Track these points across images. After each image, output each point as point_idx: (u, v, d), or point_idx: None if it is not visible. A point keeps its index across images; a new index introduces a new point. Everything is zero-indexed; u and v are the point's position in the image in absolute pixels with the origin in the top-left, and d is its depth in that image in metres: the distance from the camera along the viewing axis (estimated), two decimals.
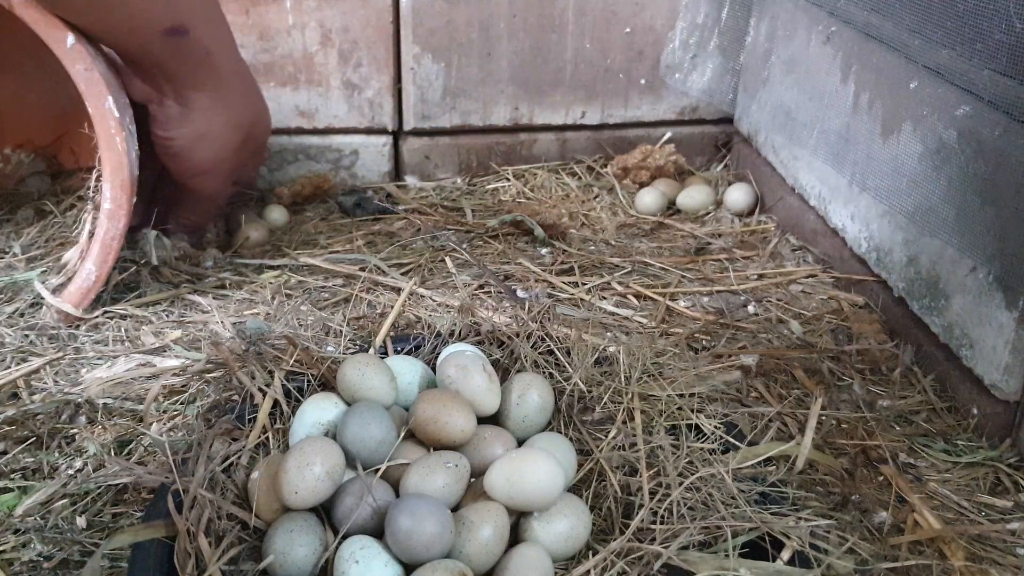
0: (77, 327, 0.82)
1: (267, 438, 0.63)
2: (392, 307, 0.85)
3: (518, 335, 0.72)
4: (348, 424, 0.59)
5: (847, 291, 0.94)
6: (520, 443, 0.63)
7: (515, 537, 0.57)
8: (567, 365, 0.69)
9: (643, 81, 1.19)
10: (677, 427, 0.64)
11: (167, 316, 0.85)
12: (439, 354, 0.70)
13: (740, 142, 1.20)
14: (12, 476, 0.65)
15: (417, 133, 1.16)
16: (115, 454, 0.68)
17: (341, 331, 0.81)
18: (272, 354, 0.70)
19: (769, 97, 1.10)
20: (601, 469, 0.61)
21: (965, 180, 0.75)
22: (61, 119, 1.05)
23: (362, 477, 0.57)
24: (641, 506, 0.57)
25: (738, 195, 1.12)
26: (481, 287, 0.93)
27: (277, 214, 1.04)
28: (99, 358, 0.78)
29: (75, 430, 0.70)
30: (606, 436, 0.63)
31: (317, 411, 0.63)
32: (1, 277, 0.87)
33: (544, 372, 0.69)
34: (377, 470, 0.58)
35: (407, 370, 0.67)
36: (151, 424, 0.71)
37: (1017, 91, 0.69)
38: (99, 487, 0.64)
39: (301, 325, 0.83)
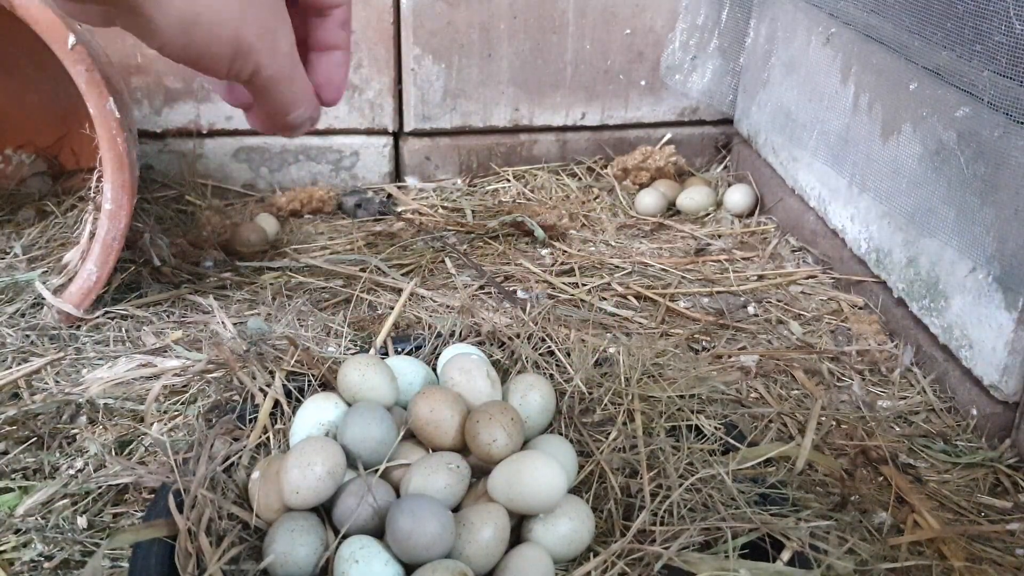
0: (78, 327, 0.82)
1: (268, 438, 0.63)
2: (393, 308, 0.85)
3: (519, 336, 0.72)
4: (349, 424, 0.59)
5: (847, 292, 0.94)
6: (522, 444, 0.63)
7: (518, 538, 0.57)
8: (568, 366, 0.69)
9: (643, 82, 1.19)
10: (677, 428, 0.64)
11: (168, 316, 0.85)
12: (440, 355, 0.70)
13: (740, 143, 1.20)
14: (13, 476, 0.65)
15: (417, 134, 1.16)
16: (116, 454, 0.68)
17: (342, 332, 0.81)
18: (273, 354, 0.70)
19: (769, 98, 1.11)
20: (602, 471, 0.61)
21: (965, 181, 0.75)
22: (62, 120, 1.05)
23: (363, 477, 0.57)
24: (642, 508, 0.57)
25: (738, 196, 1.12)
26: (481, 288, 0.93)
27: (268, 224, 1.03)
28: (100, 358, 0.79)
29: (76, 430, 0.70)
30: (606, 438, 0.63)
31: (318, 411, 0.63)
32: (2, 277, 0.87)
33: (545, 373, 0.69)
34: (377, 470, 0.58)
35: (409, 371, 0.67)
36: (152, 424, 0.71)
37: (1017, 92, 0.69)
38: (100, 487, 0.64)
39: (302, 326, 0.83)
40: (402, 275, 0.94)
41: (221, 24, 0.39)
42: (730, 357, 0.82)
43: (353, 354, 0.72)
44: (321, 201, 1.09)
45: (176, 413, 0.72)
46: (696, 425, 0.64)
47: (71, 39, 0.77)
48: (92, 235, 0.83)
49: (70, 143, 1.07)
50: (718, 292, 0.95)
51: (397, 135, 1.17)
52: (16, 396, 0.73)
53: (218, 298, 0.88)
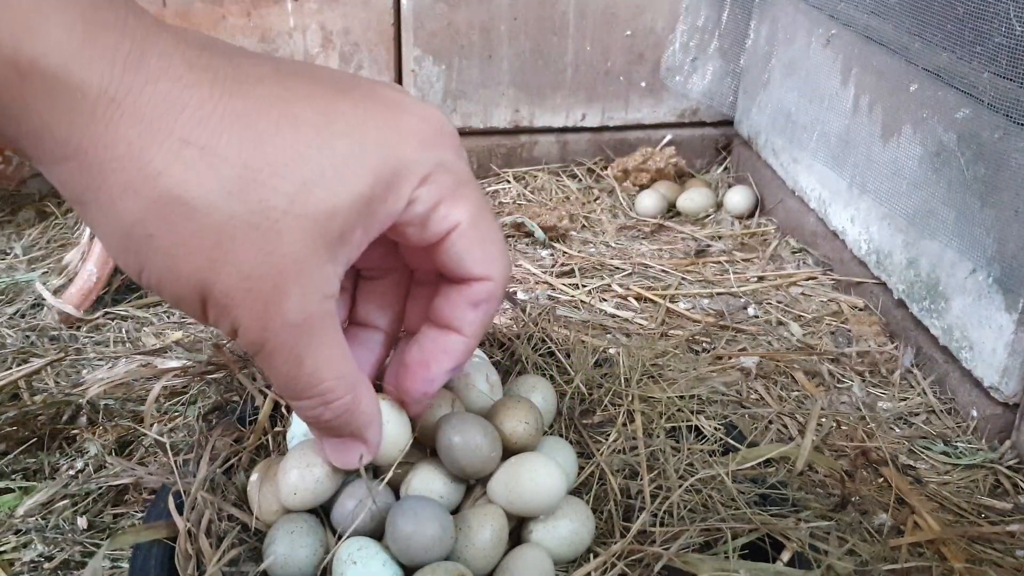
0: (78, 328, 0.82)
1: (267, 440, 0.63)
2: None
3: (518, 337, 0.72)
4: None
5: (847, 293, 0.94)
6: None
7: (518, 540, 0.57)
8: (568, 368, 0.69)
9: (643, 83, 1.19)
10: (677, 429, 0.64)
11: (168, 317, 0.85)
12: None
13: (740, 144, 1.20)
14: (13, 477, 0.65)
15: None
16: (116, 455, 0.68)
17: None
18: None
19: (769, 100, 1.11)
20: (602, 472, 0.61)
21: (965, 182, 0.75)
22: None
23: (365, 479, 0.57)
24: (642, 509, 0.57)
25: (738, 198, 1.12)
26: None
27: None
28: (100, 359, 0.79)
29: (76, 431, 0.70)
30: (606, 439, 0.63)
31: None
32: (2, 278, 0.87)
33: (545, 374, 0.69)
34: (383, 479, 0.58)
35: None
36: (152, 425, 0.71)
37: (1017, 94, 0.69)
38: (100, 488, 0.64)
39: None
40: None
41: (179, 258, 0.28)
42: (730, 358, 0.82)
43: None
44: None
45: (176, 414, 0.72)
46: (696, 426, 0.64)
47: None
48: (92, 236, 0.84)
49: None
50: (718, 293, 0.95)
51: None
52: (16, 397, 0.73)
53: None
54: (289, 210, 0.29)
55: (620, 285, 0.95)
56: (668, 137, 1.22)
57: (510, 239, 1.04)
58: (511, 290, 0.93)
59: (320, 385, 0.34)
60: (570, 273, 0.97)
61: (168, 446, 0.66)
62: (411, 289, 0.41)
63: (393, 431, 0.58)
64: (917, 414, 0.77)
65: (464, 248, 0.34)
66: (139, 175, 0.27)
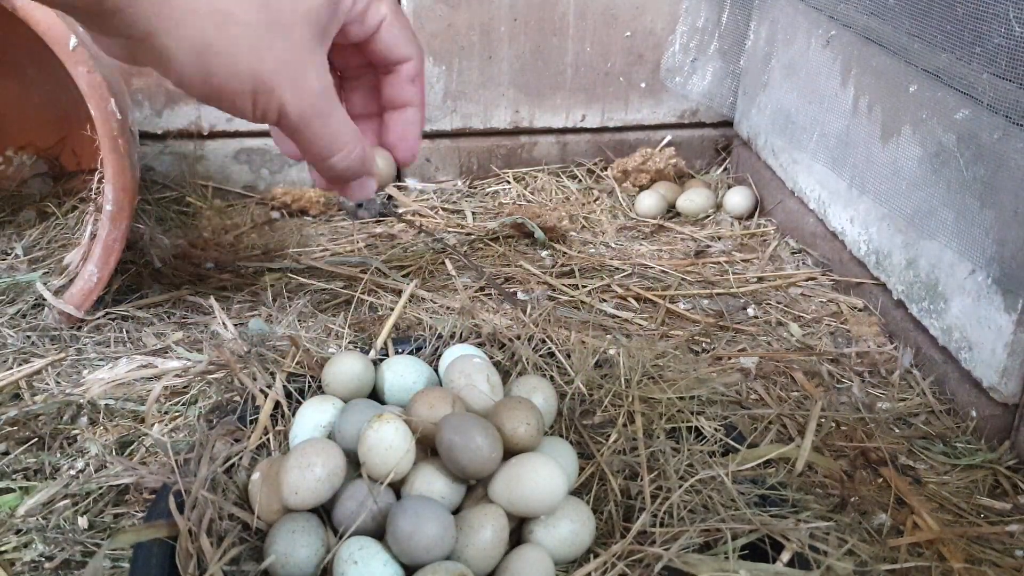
0: (79, 328, 0.82)
1: (268, 439, 0.64)
2: (393, 309, 0.85)
3: (519, 337, 0.72)
4: (344, 422, 0.59)
5: (846, 294, 0.94)
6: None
7: (519, 540, 0.57)
8: (568, 368, 0.69)
9: (643, 84, 1.19)
10: (677, 430, 0.64)
11: (169, 318, 0.85)
12: (440, 356, 0.70)
13: (740, 145, 1.20)
14: (14, 476, 0.66)
15: None
16: (117, 455, 0.68)
17: (342, 333, 0.81)
18: (273, 356, 0.70)
19: (769, 100, 1.11)
20: (602, 473, 0.61)
21: (964, 183, 0.75)
22: (63, 121, 1.05)
23: (366, 479, 0.57)
24: (642, 509, 0.57)
25: (738, 198, 1.12)
26: (482, 289, 0.93)
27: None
28: (101, 359, 0.79)
29: (77, 431, 0.70)
30: (607, 439, 0.64)
31: (316, 413, 0.63)
32: (3, 278, 0.87)
33: (545, 374, 0.69)
34: (381, 482, 0.58)
35: (411, 372, 0.67)
36: (153, 425, 0.71)
37: (1016, 95, 0.69)
38: (101, 487, 0.64)
39: (303, 327, 0.84)
40: (402, 276, 0.94)
41: (236, 55, 0.37)
42: (730, 359, 0.83)
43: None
44: (310, 202, 1.09)
45: (177, 414, 0.72)
46: (696, 426, 0.64)
47: (72, 40, 0.77)
48: (93, 236, 0.84)
49: (71, 144, 1.07)
50: (718, 294, 0.95)
51: None
52: (17, 397, 0.73)
53: (219, 299, 0.88)
54: (294, 10, 0.39)
55: (620, 285, 0.95)
56: (668, 138, 1.23)
57: (510, 240, 1.04)
58: (511, 290, 0.93)
59: (343, 138, 0.44)
60: (570, 273, 0.98)
61: (169, 446, 0.66)
62: (345, 85, 0.52)
63: (395, 439, 0.58)
64: (916, 414, 0.77)
65: (391, 36, 0.46)
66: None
